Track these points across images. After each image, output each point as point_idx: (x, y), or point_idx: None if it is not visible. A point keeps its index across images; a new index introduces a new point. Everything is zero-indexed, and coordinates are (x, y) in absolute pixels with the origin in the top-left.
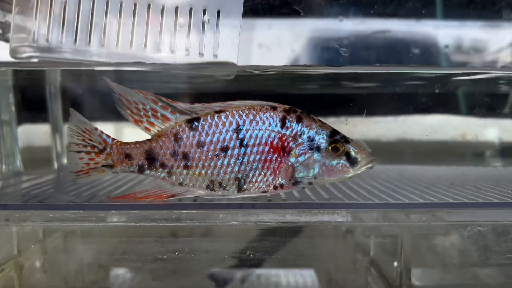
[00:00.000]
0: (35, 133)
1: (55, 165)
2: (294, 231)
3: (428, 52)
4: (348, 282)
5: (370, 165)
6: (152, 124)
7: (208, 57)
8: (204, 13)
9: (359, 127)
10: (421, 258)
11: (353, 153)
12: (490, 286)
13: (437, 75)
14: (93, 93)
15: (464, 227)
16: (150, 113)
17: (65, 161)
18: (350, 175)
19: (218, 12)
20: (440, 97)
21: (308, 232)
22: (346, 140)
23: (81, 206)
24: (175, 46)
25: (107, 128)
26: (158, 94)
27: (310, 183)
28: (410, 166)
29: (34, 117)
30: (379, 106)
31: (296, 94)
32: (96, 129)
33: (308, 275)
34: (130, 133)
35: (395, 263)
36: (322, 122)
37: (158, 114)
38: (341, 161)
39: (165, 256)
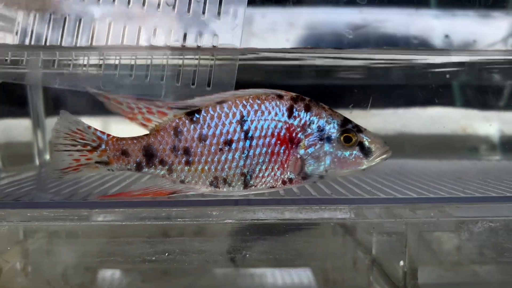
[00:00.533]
0: (15, 128)
1: (37, 162)
2: (292, 229)
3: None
4: (348, 281)
5: (385, 155)
6: (148, 120)
7: (208, 41)
8: None
9: (358, 121)
10: (427, 256)
11: (366, 143)
12: (499, 285)
13: (437, 68)
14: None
15: (474, 223)
16: (144, 110)
17: (47, 157)
18: (364, 167)
19: None
20: (440, 90)
21: (307, 229)
22: (359, 129)
23: (61, 204)
24: (172, 29)
25: (94, 123)
26: None
27: (321, 177)
28: (411, 160)
29: (13, 111)
30: (377, 99)
31: (291, 85)
32: (89, 127)
33: (305, 275)
34: (120, 129)
35: (401, 262)
36: (332, 110)
37: (154, 110)
38: (354, 152)
39: (153, 258)
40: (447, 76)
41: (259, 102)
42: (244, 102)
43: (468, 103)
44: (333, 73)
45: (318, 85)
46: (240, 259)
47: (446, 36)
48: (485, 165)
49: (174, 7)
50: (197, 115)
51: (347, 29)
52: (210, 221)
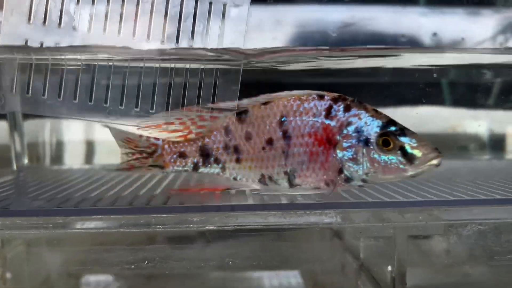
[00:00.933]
0: None
1: (14, 166)
2: (281, 232)
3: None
4: (336, 285)
5: (434, 162)
6: (202, 127)
7: (212, 42)
8: None
9: None
10: (416, 260)
11: (409, 149)
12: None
13: (425, 67)
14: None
15: (463, 226)
16: (197, 119)
17: (26, 161)
18: (411, 173)
19: None
20: (429, 89)
21: (296, 232)
22: (402, 132)
23: (35, 212)
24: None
25: (76, 122)
26: None
27: (363, 181)
28: None
29: None
30: (366, 98)
31: (277, 83)
32: (141, 136)
33: (294, 281)
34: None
35: (389, 267)
36: (376, 111)
37: (206, 117)
38: (395, 157)
39: (132, 266)
40: (435, 75)
41: (299, 102)
42: (285, 102)
43: (457, 102)
44: (318, 72)
45: (304, 84)
46: (228, 263)
47: (434, 34)
48: (475, 165)
49: (180, 11)
50: (244, 115)
51: (334, 27)
52: (191, 227)
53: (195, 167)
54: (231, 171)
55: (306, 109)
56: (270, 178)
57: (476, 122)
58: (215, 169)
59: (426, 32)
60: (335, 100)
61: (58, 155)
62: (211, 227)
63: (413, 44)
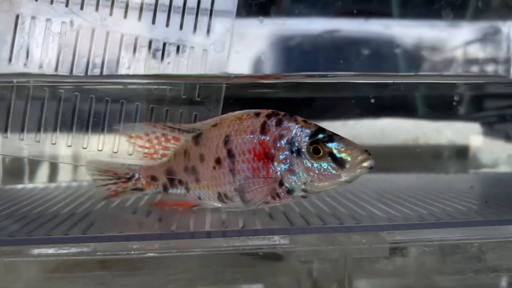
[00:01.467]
0: None
1: None
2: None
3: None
4: None
5: (365, 164)
6: (167, 148)
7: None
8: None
9: None
10: (362, 282)
11: (337, 153)
12: None
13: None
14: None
15: (408, 248)
16: (162, 139)
17: None
18: (344, 179)
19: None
20: (392, 100)
21: None
22: (330, 139)
23: None
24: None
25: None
26: None
27: (304, 191)
28: None
29: None
30: (327, 110)
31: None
32: (122, 164)
33: None
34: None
35: None
36: (306, 122)
37: (169, 137)
38: (326, 164)
39: None
40: (398, 87)
41: (239, 122)
42: (229, 123)
43: (420, 114)
44: (279, 87)
45: (265, 99)
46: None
47: (398, 46)
48: (430, 179)
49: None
50: (198, 138)
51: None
52: (132, 254)
53: (165, 188)
54: (194, 191)
55: (245, 127)
56: (226, 195)
57: (438, 134)
58: (181, 190)
59: (391, 44)
60: (268, 116)
61: (11, 174)
62: (152, 254)
63: (376, 56)
